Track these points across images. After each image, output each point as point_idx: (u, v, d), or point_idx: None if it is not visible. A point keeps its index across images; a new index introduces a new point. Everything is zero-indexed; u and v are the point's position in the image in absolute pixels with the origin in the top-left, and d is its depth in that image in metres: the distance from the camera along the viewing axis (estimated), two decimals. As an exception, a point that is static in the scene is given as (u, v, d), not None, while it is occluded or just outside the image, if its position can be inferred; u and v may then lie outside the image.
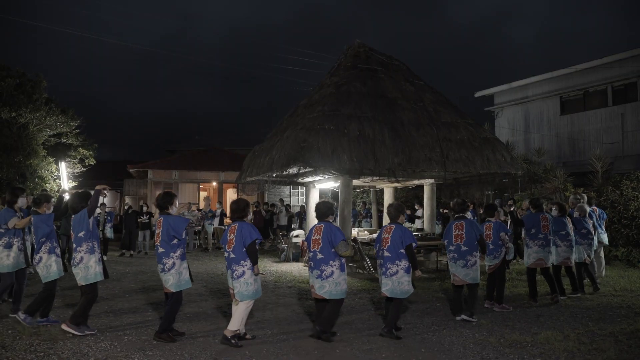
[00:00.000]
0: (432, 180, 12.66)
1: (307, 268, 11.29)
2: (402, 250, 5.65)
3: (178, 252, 5.35)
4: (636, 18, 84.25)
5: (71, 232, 5.65)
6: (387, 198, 14.57)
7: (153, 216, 15.20)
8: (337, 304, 5.47)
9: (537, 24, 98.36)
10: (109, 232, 12.92)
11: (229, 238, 5.27)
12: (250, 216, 5.47)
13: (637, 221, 11.40)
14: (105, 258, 12.63)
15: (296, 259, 12.80)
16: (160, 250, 5.33)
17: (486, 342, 5.37)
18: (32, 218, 6.04)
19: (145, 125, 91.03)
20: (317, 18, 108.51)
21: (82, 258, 5.52)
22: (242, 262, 5.17)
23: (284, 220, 17.86)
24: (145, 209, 15.00)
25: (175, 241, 5.32)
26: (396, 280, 5.64)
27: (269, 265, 11.84)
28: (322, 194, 16.23)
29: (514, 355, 4.92)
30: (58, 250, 6.08)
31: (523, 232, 8.14)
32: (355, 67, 12.23)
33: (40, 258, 5.93)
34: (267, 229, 17.03)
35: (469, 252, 6.40)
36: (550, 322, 6.29)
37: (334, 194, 18.08)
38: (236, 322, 5.20)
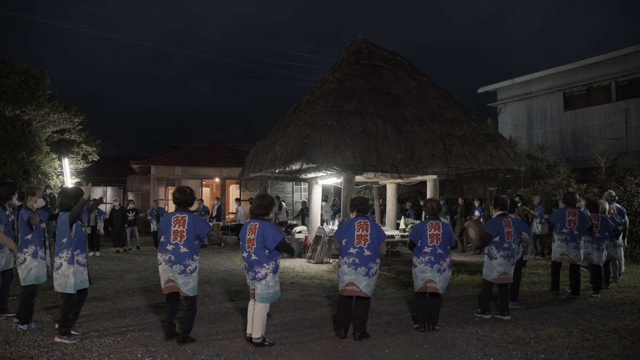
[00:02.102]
0: (435, 176, 12.65)
1: (309, 264, 11.38)
2: (449, 247, 5.69)
3: (199, 256, 5.16)
4: (632, 15, 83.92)
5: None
6: (390, 194, 14.57)
7: (139, 214, 15.22)
8: (369, 303, 5.44)
9: (538, 21, 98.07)
10: (101, 228, 13.18)
11: (248, 237, 5.02)
12: (271, 215, 5.21)
13: (640, 217, 11.36)
14: (97, 254, 12.70)
15: (299, 254, 12.81)
16: (184, 250, 5.02)
17: (489, 339, 5.36)
18: (21, 213, 5.70)
19: (148, 121, 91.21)
20: (319, 14, 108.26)
21: (61, 265, 5.16)
22: (264, 264, 4.95)
23: (283, 217, 17.85)
24: (131, 205, 15.07)
25: (197, 242, 5.12)
26: (445, 277, 5.64)
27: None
28: (324, 190, 16.24)
29: (517, 352, 4.91)
30: (42, 254, 5.72)
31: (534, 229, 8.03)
32: (358, 63, 12.20)
33: (24, 259, 5.62)
34: None
35: (516, 251, 6.42)
36: (554, 318, 6.28)
37: (337, 190, 18.10)
38: (259, 327, 5.05)
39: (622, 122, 17.95)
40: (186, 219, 5.08)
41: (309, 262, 11.76)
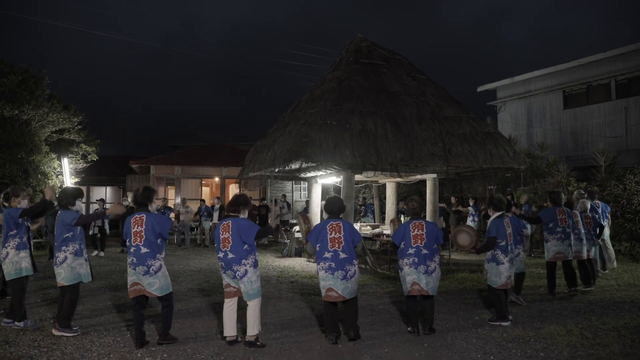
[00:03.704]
0: (435, 175, 12.64)
1: (309, 263, 11.37)
2: (436, 246, 5.52)
3: (163, 254, 5.07)
4: (629, 17, 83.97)
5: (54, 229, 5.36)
6: (390, 193, 14.56)
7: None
8: (356, 302, 5.32)
9: (535, 22, 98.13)
10: (107, 228, 13.10)
11: (222, 236, 4.97)
12: (243, 215, 5.13)
13: (640, 215, 11.36)
14: (102, 254, 12.66)
15: (298, 254, 12.80)
16: (144, 250, 4.93)
17: (489, 337, 5.36)
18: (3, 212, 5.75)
19: (147, 121, 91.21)
20: (317, 16, 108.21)
21: (65, 258, 5.31)
22: (243, 260, 4.90)
23: (287, 216, 17.89)
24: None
25: (159, 241, 5.03)
26: (435, 277, 5.47)
27: (271, 261, 11.85)
28: (324, 189, 16.23)
29: (517, 350, 4.91)
30: (29, 246, 5.79)
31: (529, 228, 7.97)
32: (357, 61, 12.20)
33: (7, 253, 5.64)
34: (263, 225, 16.94)
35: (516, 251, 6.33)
36: (553, 316, 6.27)
37: (337, 189, 18.11)
38: (253, 325, 4.98)
39: (621, 120, 17.95)
40: (144, 218, 4.99)
41: (308, 261, 11.75)
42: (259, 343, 5.02)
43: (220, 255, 5.01)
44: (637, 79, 17.77)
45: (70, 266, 5.31)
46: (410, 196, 6.74)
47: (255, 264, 5.01)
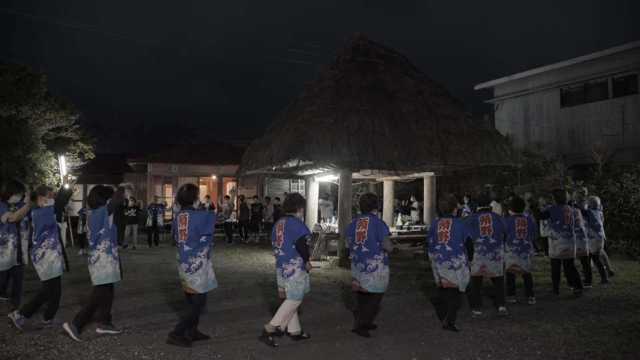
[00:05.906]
0: (432, 173, 12.65)
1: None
2: (462, 244, 5.61)
3: (205, 251, 5.08)
4: (625, 15, 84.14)
5: (87, 228, 5.37)
6: (387, 191, 14.57)
7: (140, 210, 15.07)
8: (378, 297, 5.49)
9: (532, 21, 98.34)
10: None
11: (277, 234, 5.15)
12: (299, 214, 5.26)
13: (637, 214, 11.38)
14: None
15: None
16: (187, 248, 5.02)
17: (486, 335, 5.37)
18: (32, 212, 5.69)
19: (145, 119, 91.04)
20: (314, 16, 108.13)
21: (98, 257, 5.22)
22: (291, 259, 5.03)
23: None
24: (131, 202, 14.87)
25: (203, 238, 5.06)
26: (460, 273, 5.58)
27: (269, 259, 11.83)
28: (321, 187, 16.24)
29: (514, 348, 4.92)
30: (59, 247, 5.73)
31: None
32: (355, 59, 12.19)
33: (43, 254, 5.55)
34: (256, 223, 17.03)
35: (498, 245, 6.39)
36: (550, 314, 6.29)
37: (334, 187, 18.11)
38: (279, 317, 5.03)
39: (618, 118, 18.00)
40: (187, 216, 5.06)
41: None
42: (270, 339, 4.98)
43: (275, 252, 5.23)
44: (634, 78, 17.82)
45: (102, 265, 5.22)
46: (443, 194, 7.06)
47: (302, 266, 5.08)
